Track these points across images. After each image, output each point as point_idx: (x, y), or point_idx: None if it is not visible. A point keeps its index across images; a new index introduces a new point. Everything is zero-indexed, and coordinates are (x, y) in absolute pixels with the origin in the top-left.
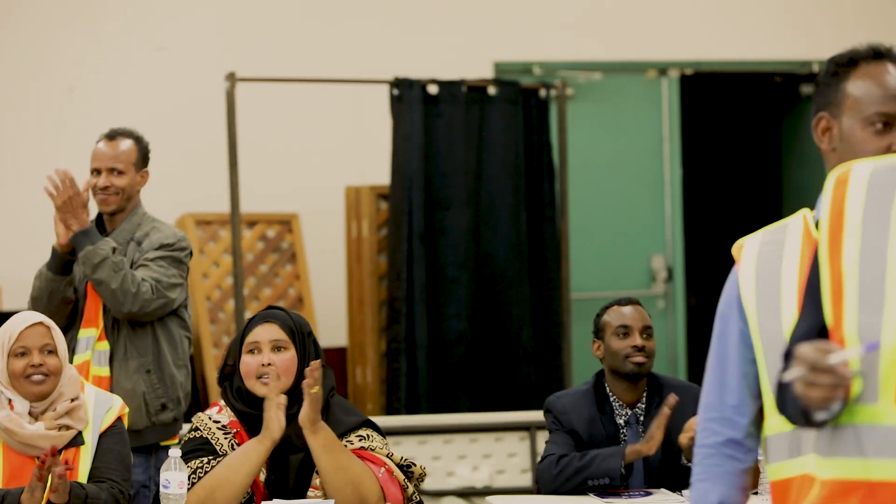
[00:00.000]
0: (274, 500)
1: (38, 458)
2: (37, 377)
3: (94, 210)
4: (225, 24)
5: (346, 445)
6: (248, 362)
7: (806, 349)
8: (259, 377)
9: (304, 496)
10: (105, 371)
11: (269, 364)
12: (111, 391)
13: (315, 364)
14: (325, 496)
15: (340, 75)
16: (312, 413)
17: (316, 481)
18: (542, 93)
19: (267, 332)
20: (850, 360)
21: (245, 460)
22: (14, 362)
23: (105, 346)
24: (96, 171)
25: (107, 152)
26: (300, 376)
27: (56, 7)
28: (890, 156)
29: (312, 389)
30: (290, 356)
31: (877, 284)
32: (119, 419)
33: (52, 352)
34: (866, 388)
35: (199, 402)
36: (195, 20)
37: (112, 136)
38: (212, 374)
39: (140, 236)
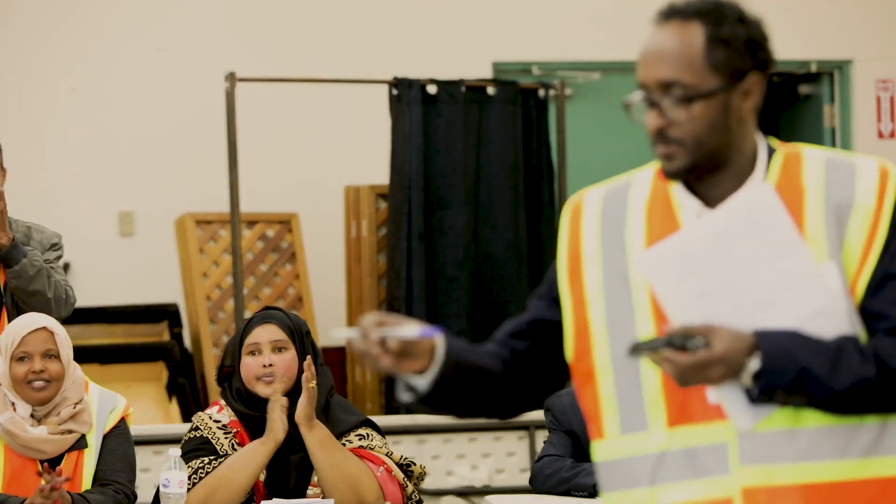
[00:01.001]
0: (274, 499)
1: (39, 472)
2: (38, 383)
3: None
4: (225, 25)
5: (345, 444)
6: (248, 364)
7: (370, 316)
8: (260, 378)
9: (303, 495)
10: None
11: (270, 365)
12: None
13: (309, 360)
14: (324, 495)
15: (340, 75)
16: (309, 409)
17: (315, 479)
18: (541, 93)
19: (267, 333)
20: (407, 336)
21: (248, 461)
22: (16, 367)
23: None
24: None
25: None
26: (300, 376)
27: (56, 6)
28: (617, 178)
29: (311, 384)
30: (290, 356)
31: (624, 311)
32: (123, 419)
33: (55, 356)
34: (634, 416)
35: (198, 401)
36: (195, 20)
37: None
38: (211, 374)
39: (22, 238)
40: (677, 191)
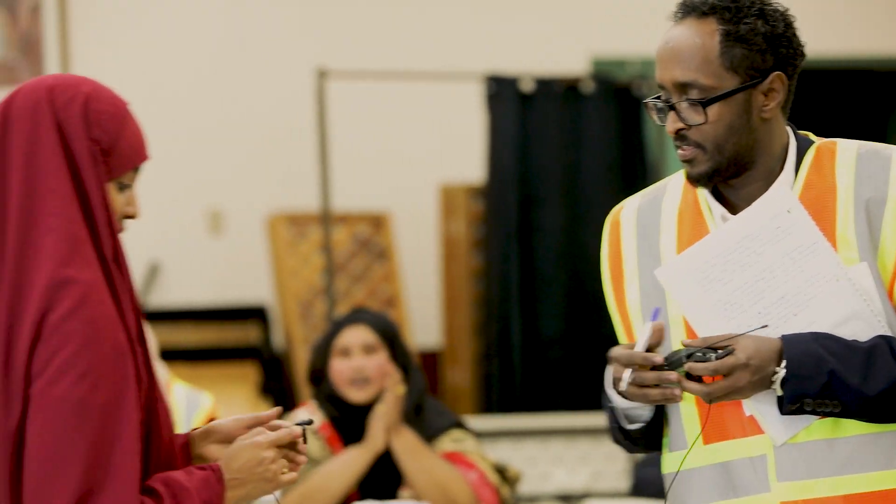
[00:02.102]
0: (366, 500)
1: None
2: None
3: None
4: (315, 19)
5: (437, 448)
6: (339, 367)
7: (617, 350)
8: (351, 382)
9: (395, 496)
10: None
11: (361, 368)
12: None
13: (392, 366)
14: (416, 499)
15: (433, 70)
16: (394, 415)
17: None
18: (639, 88)
19: (357, 335)
20: (647, 337)
21: (344, 469)
22: None
23: None
24: None
25: None
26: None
27: (141, 3)
28: (651, 188)
29: (398, 389)
30: (381, 359)
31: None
32: (211, 420)
33: None
34: (676, 433)
35: (290, 402)
36: (285, 15)
37: None
38: (301, 374)
39: None
40: (705, 195)
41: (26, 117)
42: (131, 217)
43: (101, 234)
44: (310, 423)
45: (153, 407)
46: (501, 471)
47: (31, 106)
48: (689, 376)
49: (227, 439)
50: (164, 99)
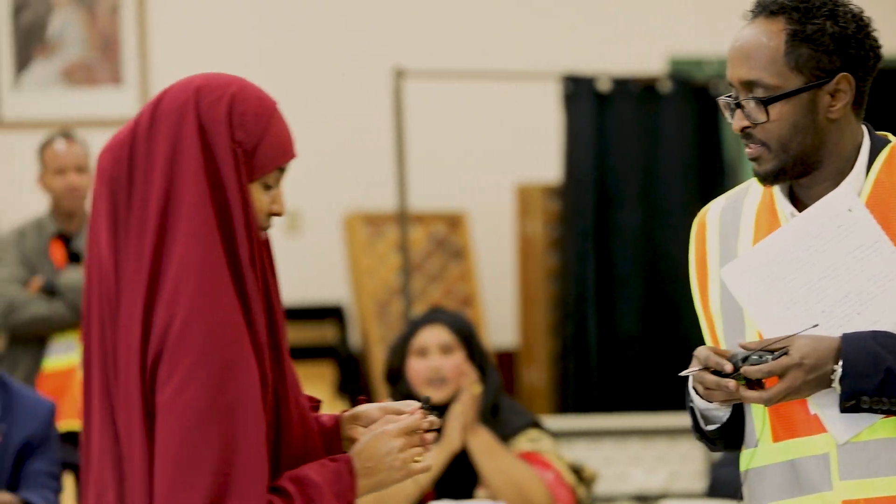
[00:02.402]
0: (442, 499)
1: None
2: None
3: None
4: (392, 20)
5: (513, 448)
6: (416, 367)
7: (700, 351)
8: (429, 382)
9: (471, 496)
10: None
11: (438, 368)
12: None
13: (468, 366)
14: (492, 499)
15: (509, 70)
16: (470, 415)
17: None
18: (716, 88)
19: (434, 335)
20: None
21: None
22: None
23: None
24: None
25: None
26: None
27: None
28: (736, 189)
29: (474, 388)
30: (458, 359)
31: (738, 329)
32: None
33: None
34: (749, 432)
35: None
36: (362, 16)
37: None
38: (378, 374)
39: None
40: (778, 195)
41: (172, 118)
42: (277, 215)
43: (238, 237)
44: (427, 400)
45: (284, 405)
46: (577, 471)
47: (178, 106)
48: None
49: (371, 424)
50: None
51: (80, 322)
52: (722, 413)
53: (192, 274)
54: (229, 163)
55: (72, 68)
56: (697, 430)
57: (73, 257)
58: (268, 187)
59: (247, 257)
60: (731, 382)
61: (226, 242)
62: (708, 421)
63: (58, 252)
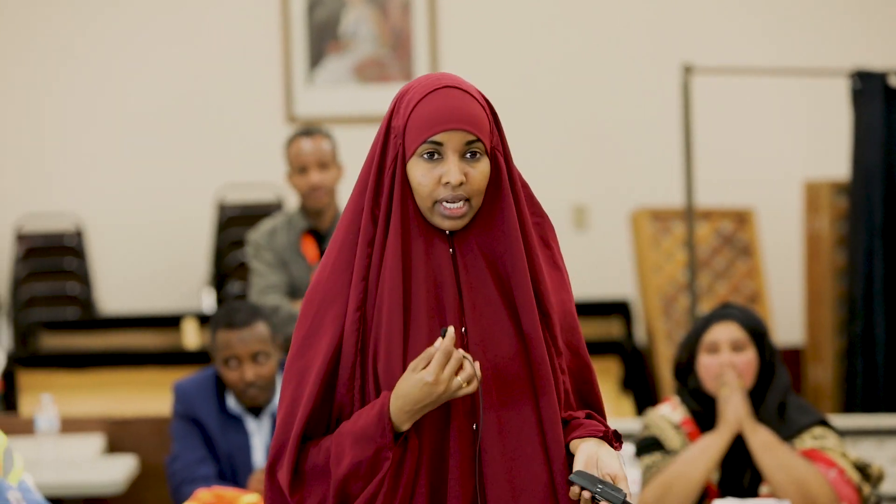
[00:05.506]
0: (727, 497)
1: None
2: None
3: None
4: (680, 16)
5: (798, 445)
6: (707, 363)
7: None
8: (718, 378)
9: (755, 494)
10: None
11: (729, 364)
12: None
13: (734, 363)
14: (775, 496)
15: (797, 66)
16: (745, 409)
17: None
18: None
19: (726, 332)
20: None
21: (701, 454)
22: None
23: None
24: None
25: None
26: (759, 378)
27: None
28: None
29: (738, 384)
30: (750, 357)
31: None
32: None
33: None
34: None
35: (652, 397)
36: (651, 12)
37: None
38: (664, 369)
39: None
40: None
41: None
42: (449, 183)
43: (368, 210)
44: (445, 332)
45: (371, 365)
46: (863, 468)
47: (391, 104)
48: None
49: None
50: (530, 95)
51: None
52: None
53: (334, 240)
54: (389, 146)
55: (364, 65)
56: None
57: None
58: (430, 158)
59: (365, 229)
60: None
61: (353, 214)
62: None
63: (310, 248)
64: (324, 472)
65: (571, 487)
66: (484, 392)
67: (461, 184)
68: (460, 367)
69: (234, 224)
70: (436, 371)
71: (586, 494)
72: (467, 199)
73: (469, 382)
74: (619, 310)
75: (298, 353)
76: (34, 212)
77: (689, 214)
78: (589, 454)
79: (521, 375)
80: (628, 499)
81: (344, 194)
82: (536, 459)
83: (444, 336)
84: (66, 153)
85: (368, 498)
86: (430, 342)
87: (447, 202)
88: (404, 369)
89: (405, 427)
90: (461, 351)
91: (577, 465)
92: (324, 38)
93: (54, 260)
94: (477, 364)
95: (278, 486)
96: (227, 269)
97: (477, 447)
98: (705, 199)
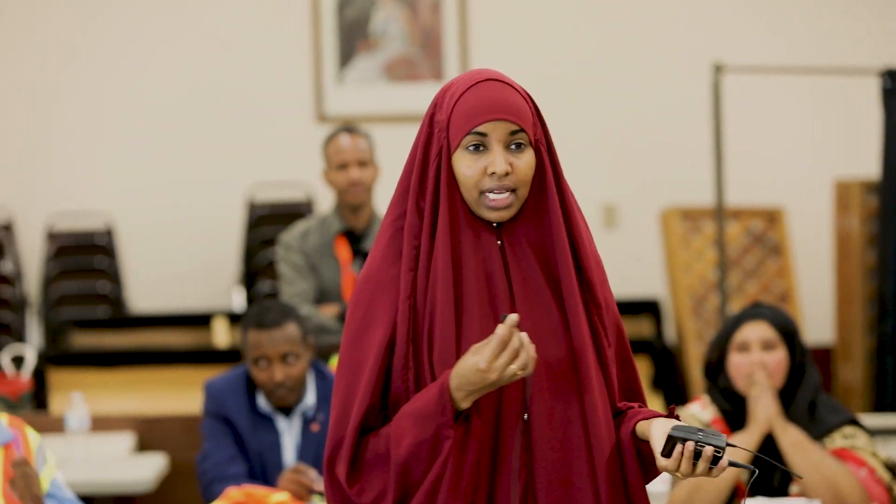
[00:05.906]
0: (757, 497)
1: None
2: None
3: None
4: (710, 15)
5: (828, 444)
6: (737, 362)
7: None
8: (748, 378)
9: (785, 494)
10: None
11: (760, 364)
12: None
13: (762, 362)
14: (805, 496)
15: (828, 65)
16: (774, 408)
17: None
18: None
19: (757, 331)
20: None
21: (731, 453)
22: None
23: None
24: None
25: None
26: (789, 377)
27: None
28: None
29: (767, 383)
30: (780, 356)
31: None
32: None
33: None
34: None
35: (681, 396)
36: (681, 11)
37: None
38: (694, 368)
39: None
40: None
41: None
42: (495, 173)
43: (412, 201)
44: (504, 317)
45: (425, 351)
46: (893, 468)
47: (433, 100)
48: None
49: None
50: (560, 94)
51: None
52: None
53: (381, 235)
54: (432, 142)
55: (393, 64)
56: None
57: (358, 254)
58: (475, 150)
59: (411, 222)
60: None
61: (398, 209)
62: None
63: (343, 249)
64: (384, 458)
65: (672, 447)
66: (534, 382)
67: (507, 174)
68: (516, 356)
69: (264, 223)
70: (489, 358)
71: (689, 445)
72: (513, 190)
73: (524, 368)
74: (648, 309)
75: (351, 345)
76: (65, 210)
77: (720, 213)
78: (667, 423)
79: (569, 367)
80: (729, 439)
81: (380, 194)
82: (582, 452)
83: (502, 318)
84: (97, 152)
85: (432, 484)
86: (483, 332)
87: (493, 193)
88: (458, 359)
89: (464, 405)
90: (522, 335)
91: (656, 438)
92: (354, 37)
93: (85, 258)
94: (533, 347)
95: (338, 482)
96: (257, 268)
97: (527, 436)
98: (735, 198)
